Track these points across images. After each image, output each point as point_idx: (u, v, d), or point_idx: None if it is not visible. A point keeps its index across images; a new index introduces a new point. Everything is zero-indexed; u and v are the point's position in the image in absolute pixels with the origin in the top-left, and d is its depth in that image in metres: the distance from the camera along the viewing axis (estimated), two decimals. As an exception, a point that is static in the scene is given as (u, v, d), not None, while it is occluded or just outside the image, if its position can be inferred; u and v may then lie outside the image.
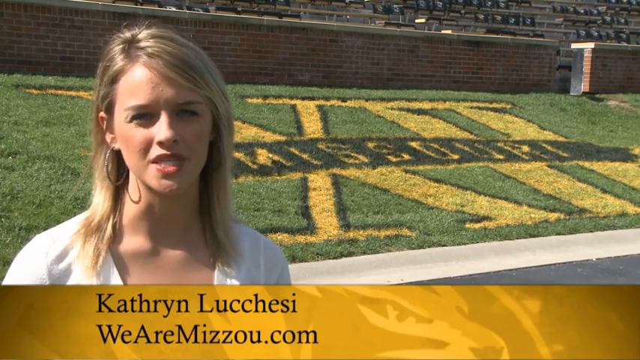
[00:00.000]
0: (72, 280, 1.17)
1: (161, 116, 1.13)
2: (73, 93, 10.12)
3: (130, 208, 1.21)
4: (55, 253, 1.18)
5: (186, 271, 1.22)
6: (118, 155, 1.20)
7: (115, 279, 1.18)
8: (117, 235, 1.21)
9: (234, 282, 1.23)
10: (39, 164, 7.62)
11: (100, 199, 1.21)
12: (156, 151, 1.13)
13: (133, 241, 1.21)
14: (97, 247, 1.18)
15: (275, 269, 1.30)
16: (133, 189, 1.20)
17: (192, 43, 1.19)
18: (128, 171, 1.21)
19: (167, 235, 1.22)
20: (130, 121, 1.14)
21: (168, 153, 1.12)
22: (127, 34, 1.19)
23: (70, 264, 1.18)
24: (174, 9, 13.43)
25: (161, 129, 1.12)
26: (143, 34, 1.18)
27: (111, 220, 1.20)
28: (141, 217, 1.21)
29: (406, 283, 6.74)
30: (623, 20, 22.26)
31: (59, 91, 10.09)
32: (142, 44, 1.16)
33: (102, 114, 1.20)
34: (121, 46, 1.18)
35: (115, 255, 1.20)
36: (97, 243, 1.19)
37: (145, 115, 1.13)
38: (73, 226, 1.22)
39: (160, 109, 1.13)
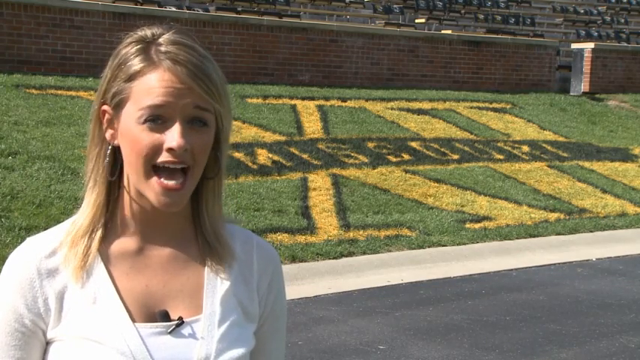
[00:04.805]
0: (61, 279, 1.18)
1: (175, 123, 1.14)
2: (73, 93, 10.12)
3: (121, 207, 1.22)
4: (45, 253, 1.19)
5: (176, 270, 1.23)
6: (114, 152, 1.20)
7: (104, 277, 1.18)
8: (107, 234, 1.21)
9: (225, 281, 1.24)
10: (39, 164, 7.62)
11: (94, 195, 1.21)
12: (163, 156, 1.13)
13: (123, 241, 1.22)
14: (88, 245, 1.19)
15: (268, 269, 1.30)
16: (127, 187, 1.20)
17: (208, 53, 1.20)
18: (121, 168, 1.20)
19: (157, 234, 1.22)
20: (143, 123, 1.14)
21: (176, 160, 1.13)
22: (147, 33, 1.19)
23: (59, 263, 1.19)
24: (174, 9, 13.42)
25: (174, 136, 1.13)
26: (164, 38, 1.17)
27: (103, 218, 1.20)
28: (131, 216, 1.21)
29: (406, 283, 6.74)
30: (623, 20, 22.25)
31: (59, 91, 10.09)
32: (164, 49, 1.16)
33: (105, 107, 1.19)
34: (140, 46, 1.17)
35: (103, 254, 1.20)
36: (87, 242, 1.19)
37: (159, 118, 1.14)
38: (64, 226, 1.23)
39: (175, 114, 1.14)
